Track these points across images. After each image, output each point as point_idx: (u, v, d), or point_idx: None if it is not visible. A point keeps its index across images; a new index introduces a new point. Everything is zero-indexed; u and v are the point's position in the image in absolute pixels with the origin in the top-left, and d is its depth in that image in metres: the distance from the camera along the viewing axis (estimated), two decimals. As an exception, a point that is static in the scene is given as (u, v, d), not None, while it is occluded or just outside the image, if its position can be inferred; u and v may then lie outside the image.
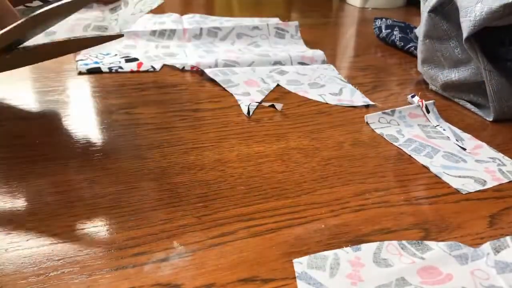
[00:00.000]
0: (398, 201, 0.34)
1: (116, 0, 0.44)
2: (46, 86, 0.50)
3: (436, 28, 0.50)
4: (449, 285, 0.26)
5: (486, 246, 0.28)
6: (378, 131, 0.44)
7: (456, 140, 0.43)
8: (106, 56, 0.58)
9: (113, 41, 0.58)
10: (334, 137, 0.43)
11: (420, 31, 0.52)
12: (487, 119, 0.48)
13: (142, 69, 0.56)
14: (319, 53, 0.64)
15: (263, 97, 0.50)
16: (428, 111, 0.47)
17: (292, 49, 0.66)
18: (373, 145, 0.42)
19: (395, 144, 0.42)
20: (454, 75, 0.50)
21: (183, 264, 0.27)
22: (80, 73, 0.54)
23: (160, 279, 0.25)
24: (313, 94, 0.52)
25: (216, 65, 0.57)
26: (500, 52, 0.50)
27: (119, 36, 0.42)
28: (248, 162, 0.37)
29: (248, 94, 0.50)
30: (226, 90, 0.51)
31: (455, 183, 0.36)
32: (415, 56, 0.60)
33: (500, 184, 0.36)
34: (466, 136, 0.44)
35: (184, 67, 0.57)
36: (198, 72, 0.57)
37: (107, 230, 0.29)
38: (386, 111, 0.46)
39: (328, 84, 0.55)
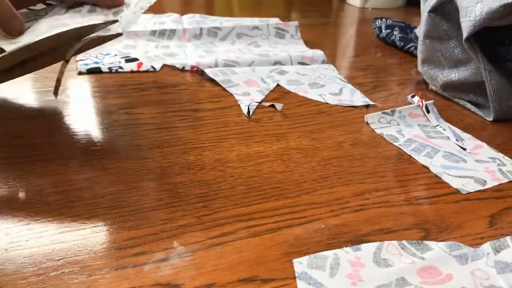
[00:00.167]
0: (398, 201, 0.34)
1: (119, 4, 0.44)
2: (46, 86, 0.50)
3: (436, 28, 0.50)
4: (449, 285, 0.26)
5: (486, 246, 0.28)
6: (378, 131, 0.44)
7: (456, 140, 0.43)
8: (106, 56, 0.58)
9: (113, 41, 0.58)
10: (334, 137, 0.43)
11: (420, 31, 0.52)
12: (487, 119, 0.48)
13: (142, 69, 0.56)
14: (319, 53, 0.64)
15: (263, 97, 0.50)
16: (428, 111, 0.47)
17: (292, 49, 0.66)
18: (373, 145, 0.42)
19: (395, 144, 0.42)
20: (454, 75, 0.50)
21: (183, 264, 0.27)
22: (80, 73, 0.54)
23: (160, 279, 0.25)
24: (313, 94, 0.52)
25: (216, 65, 0.57)
26: (500, 52, 0.50)
27: (119, 35, 0.42)
28: (248, 162, 0.37)
29: (248, 94, 0.50)
30: (226, 90, 0.51)
31: (455, 183, 0.36)
32: (415, 56, 0.60)
33: (500, 184, 0.36)
34: (466, 136, 0.44)
35: (184, 67, 0.57)
36: (198, 72, 0.57)
37: (107, 230, 0.29)
38: (386, 111, 0.46)
39: (328, 84, 0.55)
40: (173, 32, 0.67)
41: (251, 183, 0.35)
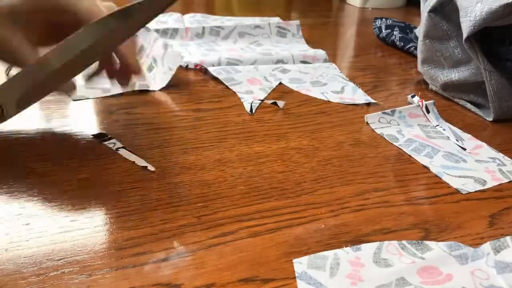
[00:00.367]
0: (398, 201, 0.34)
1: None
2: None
3: (436, 28, 0.50)
4: (449, 285, 0.26)
5: (486, 246, 0.28)
6: (378, 131, 0.44)
7: (456, 140, 0.43)
8: None
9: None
10: (334, 137, 0.43)
11: (420, 31, 0.52)
12: (487, 119, 0.48)
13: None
14: (321, 52, 0.64)
15: (265, 95, 0.50)
16: (428, 111, 0.47)
17: (294, 48, 0.66)
18: (373, 145, 0.42)
19: (395, 144, 0.42)
20: (454, 75, 0.50)
21: (183, 264, 0.27)
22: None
23: (160, 279, 0.25)
24: (315, 92, 0.52)
25: (219, 63, 0.58)
26: (500, 52, 0.50)
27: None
28: (248, 162, 0.37)
29: (251, 92, 0.50)
30: (226, 89, 0.51)
31: (455, 183, 0.36)
32: (415, 56, 0.60)
33: (500, 184, 0.36)
34: (466, 136, 0.44)
35: (188, 65, 0.57)
36: (201, 70, 0.57)
37: (107, 230, 0.29)
38: (386, 111, 0.46)
39: (330, 83, 0.55)
40: (175, 31, 0.67)
41: (251, 183, 0.35)
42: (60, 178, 0.34)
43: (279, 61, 0.60)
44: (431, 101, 0.48)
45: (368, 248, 0.28)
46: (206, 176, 0.35)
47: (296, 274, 0.26)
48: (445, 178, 0.37)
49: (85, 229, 0.29)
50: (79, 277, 0.25)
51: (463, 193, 0.35)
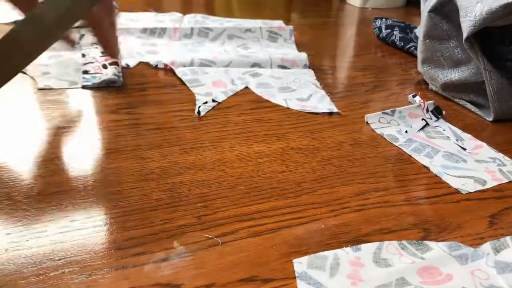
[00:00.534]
0: (398, 201, 0.34)
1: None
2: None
3: (436, 28, 0.50)
4: (449, 285, 0.26)
5: (486, 246, 0.28)
6: (378, 131, 0.44)
7: (456, 140, 0.43)
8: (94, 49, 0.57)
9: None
10: (334, 137, 0.43)
11: (420, 31, 0.52)
12: (487, 119, 0.48)
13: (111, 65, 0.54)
14: (301, 57, 0.61)
15: (225, 98, 0.49)
16: (428, 111, 0.47)
17: (276, 52, 0.65)
18: (373, 145, 0.42)
19: (395, 144, 0.42)
20: (454, 75, 0.50)
21: (183, 264, 0.27)
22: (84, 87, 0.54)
23: (160, 279, 0.25)
24: (278, 99, 0.50)
25: (191, 64, 0.56)
26: (500, 52, 0.50)
27: None
28: (248, 162, 0.37)
29: (210, 95, 0.49)
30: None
31: (455, 183, 0.36)
32: (415, 56, 0.60)
33: (500, 184, 0.36)
34: (466, 136, 0.44)
35: (157, 65, 0.56)
36: (171, 70, 0.56)
37: (107, 230, 0.29)
38: (386, 111, 0.46)
39: (299, 89, 0.53)
40: (163, 30, 0.66)
41: (251, 183, 0.35)
42: (60, 178, 0.34)
43: (255, 65, 0.59)
44: (431, 101, 0.48)
45: (368, 248, 0.28)
46: (206, 176, 0.35)
47: (296, 274, 0.26)
48: (445, 178, 0.37)
49: (85, 229, 0.29)
50: (79, 277, 0.25)
51: (463, 193, 0.35)
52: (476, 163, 0.39)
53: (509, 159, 0.40)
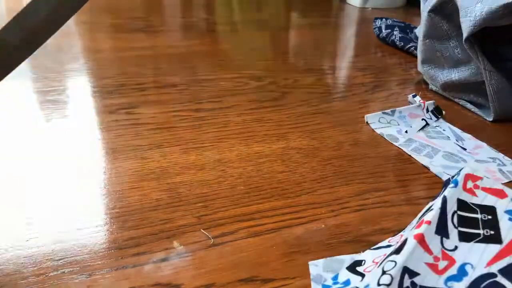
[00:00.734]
0: (398, 201, 0.34)
1: None
2: (46, 86, 0.50)
3: (436, 28, 0.50)
4: None
5: None
6: (378, 131, 0.44)
7: (456, 140, 0.43)
8: None
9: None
10: (334, 137, 0.43)
11: (420, 31, 0.52)
12: (487, 119, 0.48)
13: None
14: None
15: None
16: (428, 111, 0.47)
17: None
18: (373, 145, 0.42)
19: (395, 144, 0.42)
20: (454, 75, 0.50)
21: (183, 264, 0.27)
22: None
23: (160, 279, 0.25)
24: None
25: None
26: (500, 52, 0.50)
27: None
28: (248, 162, 0.37)
29: None
30: (226, 89, 0.51)
31: (455, 183, 0.36)
32: (415, 56, 0.60)
33: (500, 184, 0.36)
34: (466, 136, 0.44)
35: None
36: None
37: (107, 230, 0.29)
38: (386, 111, 0.46)
39: None
40: None
41: (251, 183, 0.35)
42: (60, 178, 0.34)
43: None
44: (431, 101, 0.48)
45: (383, 251, 0.28)
46: (206, 176, 0.35)
47: (311, 276, 0.26)
48: (445, 178, 0.37)
49: (85, 229, 0.29)
50: (79, 277, 0.25)
51: (463, 193, 0.35)
52: (476, 163, 0.39)
53: (509, 159, 0.40)
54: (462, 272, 0.24)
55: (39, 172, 0.34)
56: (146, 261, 0.26)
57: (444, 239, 0.26)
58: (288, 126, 0.44)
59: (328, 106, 0.49)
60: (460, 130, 0.45)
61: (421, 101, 0.48)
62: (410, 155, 0.40)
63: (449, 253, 0.25)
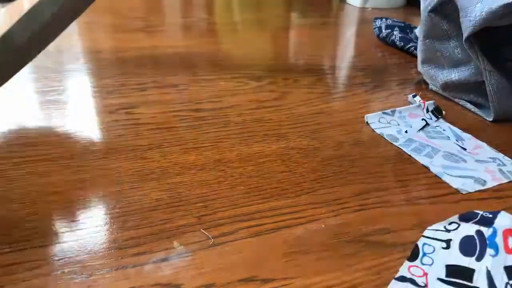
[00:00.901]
0: (398, 201, 0.34)
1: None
2: (46, 86, 0.50)
3: (436, 28, 0.50)
4: None
5: None
6: (378, 131, 0.44)
7: (456, 140, 0.43)
8: None
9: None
10: (334, 137, 0.43)
11: (420, 31, 0.52)
12: (487, 119, 0.48)
13: None
14: None
15: None
16: (428, 111, 0.47)
17: None
18: (373, 145, 0.42)
19: (395, 144, 0.42)
20: (454, 75, 0.50)
21: (183, 264, 0.27)
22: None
23: (160, 279, 0.25)
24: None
25: None
26: (500, 52, 0.50)
27: None
28: (248, 162, 0.37)
29: None
30: (227, 89, 0.51)
31: (455, 183, 0.36)
32: (415, 56, 0.60)
33: (500, 184, 0.36)
34: (466, 136, 0.44)
35: None
36: None
37: (107, 230, 0.29)
38: (386, 111, 0.46)
39: None
40: None
41: (251, 183, 0.35)
42: (60, 178, 0.34)
43: None
44: (431, 101, 0.48)
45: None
46: (206, 176, 0.35)
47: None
48: (445, 178, 0.37)
49: (85, 229, 0.29)
50: (79, 277, 0.25)
51: (463, 193, 0.35)
52: (476, 163, 0.39)
53: (509, 159, 0.40)
54: None
55: (39, 172, 0.34)
56: (146, 261, 0.27)
57: None
58: (288, 126, 0.44)
59: (328, 106, 0.49)
60: (460, 130, 0.45)
61: (421, 101, 0.48)
62: (410, 155, 0.40)
63: None
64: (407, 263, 0.27)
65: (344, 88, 0.55)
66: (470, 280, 0.24)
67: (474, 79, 0.48)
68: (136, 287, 0.25)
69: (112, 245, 0.28)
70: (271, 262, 0.27)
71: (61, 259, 0.26)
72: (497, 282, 0.23)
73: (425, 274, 0.26)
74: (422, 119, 0.46)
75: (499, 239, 0.25)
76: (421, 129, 0.45)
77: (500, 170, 0.38)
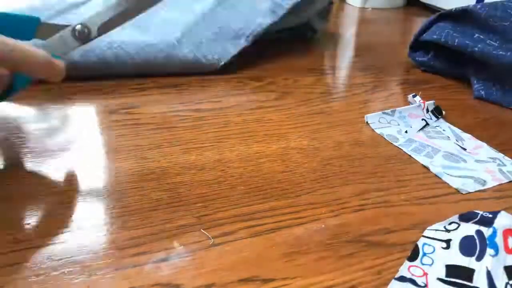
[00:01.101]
0: (398, 201, 0.34)
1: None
2: (46, 86, 0.50)
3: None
4: None
5: None
6: (378, 131, 0.44)
7: (456, 140, 0.43)
8: None
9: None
10: (334, 137, 0.43)
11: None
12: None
13: None
14: None
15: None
16: (428, 111, 0.47)
17: None
18: (373, 145, 0.42)
19: (395, 144, 0.42)
20: None
21: (183, 264, 0.27)
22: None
23: (160, 279, 0.25)
24: None
25: None
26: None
27: None
28: (248, 162, 0.37)
29: None
30: (227, 89, 0.51)
31: (455, 183, 0.36)
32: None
33: (500, 184, 0.36)
34: (466, 136, 0.44)
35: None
36: None
37: (107, 230, 0.29)
38: (386, 111, 0.46)
39: None
40: None
41: (251, 183, 0.35)
42: (60, 178, 0.34)
43: None
44: (431, 101, 0.48)
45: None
46: (206, 176, 0.35)
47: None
48: (445, 178, 0.37)
49: (85, 229, 0.29)
50: (79, 277, 0.25)
51: (463, 193, 0.35)
52: (476, 163, 0.39)
53: (509, 159, 0.40)
54: None
55: (38, 172, 0.34)
56: (146, 261, 0.27)
57: None
58: (288, 126, 0.44)
59: (328, 106, 0.49)
60: (460, 130, 0.45)
61: (421, 101, 0.48)
62: (410, 155, 0.40)
63: None
64: (407, 263, 0.27)
65: (344, 88, 0.55)
66: (470, 280, 0.24)
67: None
68: (136, 287, 0.25)
69: (112, 245, 0.28)
70: (271, 262, 0.27)
71: (61, 259, 0.26)
72: (497, 282, 0.23)
73: (425, 274, 0.26)
74: (422, 119, 0.46)
75: (499, 239, 0.25)
76: (421, 129, 0.45)
77: (500, 170, 0.38)
